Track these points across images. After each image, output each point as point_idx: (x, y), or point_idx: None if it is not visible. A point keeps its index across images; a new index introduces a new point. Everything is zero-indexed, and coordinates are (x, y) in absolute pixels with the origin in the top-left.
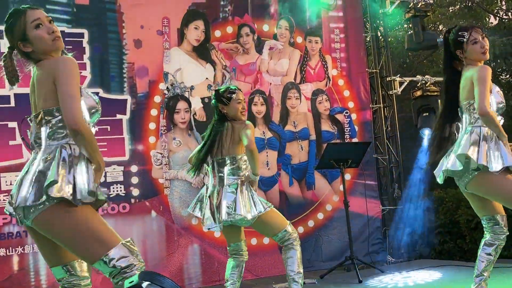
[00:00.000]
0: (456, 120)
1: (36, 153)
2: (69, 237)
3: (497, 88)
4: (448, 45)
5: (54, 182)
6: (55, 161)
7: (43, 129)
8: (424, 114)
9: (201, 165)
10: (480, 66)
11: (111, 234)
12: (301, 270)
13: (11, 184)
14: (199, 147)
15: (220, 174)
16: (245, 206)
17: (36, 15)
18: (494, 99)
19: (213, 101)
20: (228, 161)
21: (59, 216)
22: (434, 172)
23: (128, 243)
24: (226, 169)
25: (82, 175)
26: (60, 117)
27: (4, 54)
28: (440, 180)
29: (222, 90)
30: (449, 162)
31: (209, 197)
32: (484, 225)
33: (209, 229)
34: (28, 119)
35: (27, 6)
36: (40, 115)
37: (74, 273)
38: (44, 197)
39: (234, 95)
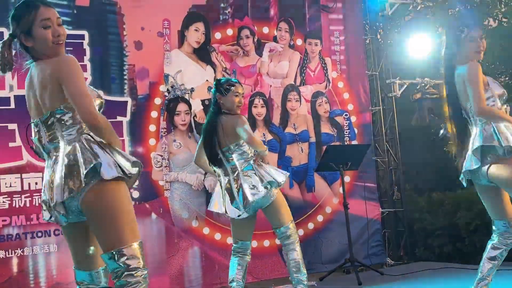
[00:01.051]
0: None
1: (56, 153)
2: (100, 216)
3: (491, 79)
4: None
5: (99, 164)
6: (82, 151)
7: (56, 128)
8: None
9: (215, 157)
10: (469, 64)
11: (133, 230)
12: (305, 271)
13: (10, 186)
14: (199, 143)
15: (230, 163)
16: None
17: (47, 14)
18: (496, 91)
19: (212, 90)
20: (233, 149)
21: (99, 194)
22: (460, 179)
23: (141, 246)
24: (235, 156)
25: (115, 155)
26: (71, 113)
27: (4, 40)
28: (464, 183)
29: (223, 80)
30: (466, 163)
31: (226, 189)
32: (494, 228)
33: (239, 216)
34: (33, 124)
35: (41, 0)
36: (49, 116)
37: (95, 281)
38: (84, 183)
39: (233, 88)
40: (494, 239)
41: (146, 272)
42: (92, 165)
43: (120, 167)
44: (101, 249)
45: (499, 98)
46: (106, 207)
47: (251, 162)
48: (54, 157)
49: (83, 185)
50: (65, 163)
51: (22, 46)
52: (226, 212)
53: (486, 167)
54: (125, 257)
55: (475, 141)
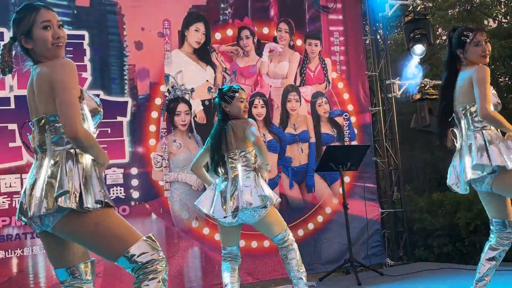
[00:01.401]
0: (452, 121)
1: (41, 159)
2: (90, 239)
3: (492, 90)
4: (451, 44)
5: (65, 192)
6: (62, 169)
7: (47, 134)
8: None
9: (219, 163)
10: (478, 66)
11: (130, 231)
12: (304, 269)
13: (10, 186)
14: (201, 150)
15: (233, 168)
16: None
17: (48, 16)
18: (492, 101)
19: (216, 99)
20: (239, 155)
21: (78, 220)
22: (450, 185)
23: (149, 240)
24: (239, 163)
25: (90, 183)
26: None
27: (5, 43)
28: (463, 191)
29: (225, 89)
30: (468, 173)
31: (220, 191)
32: (491, 228)
33: (224, 217)
34: (30, 123)
35: (42, 4)
36: (43, 120)
37: (77, 276)
38: (57, 206)
39: (237, 94)
40: (492, 240)
41: (162, 260)
42: (60, 192)
43: (82, 198)
44: (108, 261)
45: (494, 107)
46: (89, 231)
47: (253, 172)
48: (40, 162)
49: (54, 207)
50: (47, 175)
51: (22, 48)
52: (212, 212)
53: (491, 180)
54: (136, 256)
55: (472, 155)
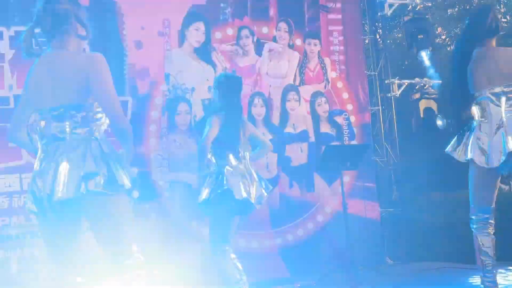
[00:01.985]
0: (468, 103)
1: (57, 147)
2: (111, 223)
3: None
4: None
5: (94, 174)
6: (88, 155)
7: (67, 124)
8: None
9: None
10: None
11: (131, 234)
12: None
13: (10, 186)
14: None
15: (243, 159)
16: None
17: None
18: None
19: (214, 90)
20: (246, 148)
21: (107, 203)
22: (473, 158)
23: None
24: (245, 155)
25: (117, 166)
26: (85, 113)
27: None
28: (497, 163)
29: (233, 75)
30: (510, 144)
31: (242, 180)
32: (473, 217)
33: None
34: (40, 111)
35: None
36: (61, 110)
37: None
38: (85, 189)
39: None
40: (475, 229)
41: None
42: (89, 173)
43: (117, 181)
44: (107, 250)
45: None
46: (108, 219)
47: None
48: (55, 150)
49: (83, 190)
50: (70, 161)
51: (71, 30)
52: (249, 197)
53: None
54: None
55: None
